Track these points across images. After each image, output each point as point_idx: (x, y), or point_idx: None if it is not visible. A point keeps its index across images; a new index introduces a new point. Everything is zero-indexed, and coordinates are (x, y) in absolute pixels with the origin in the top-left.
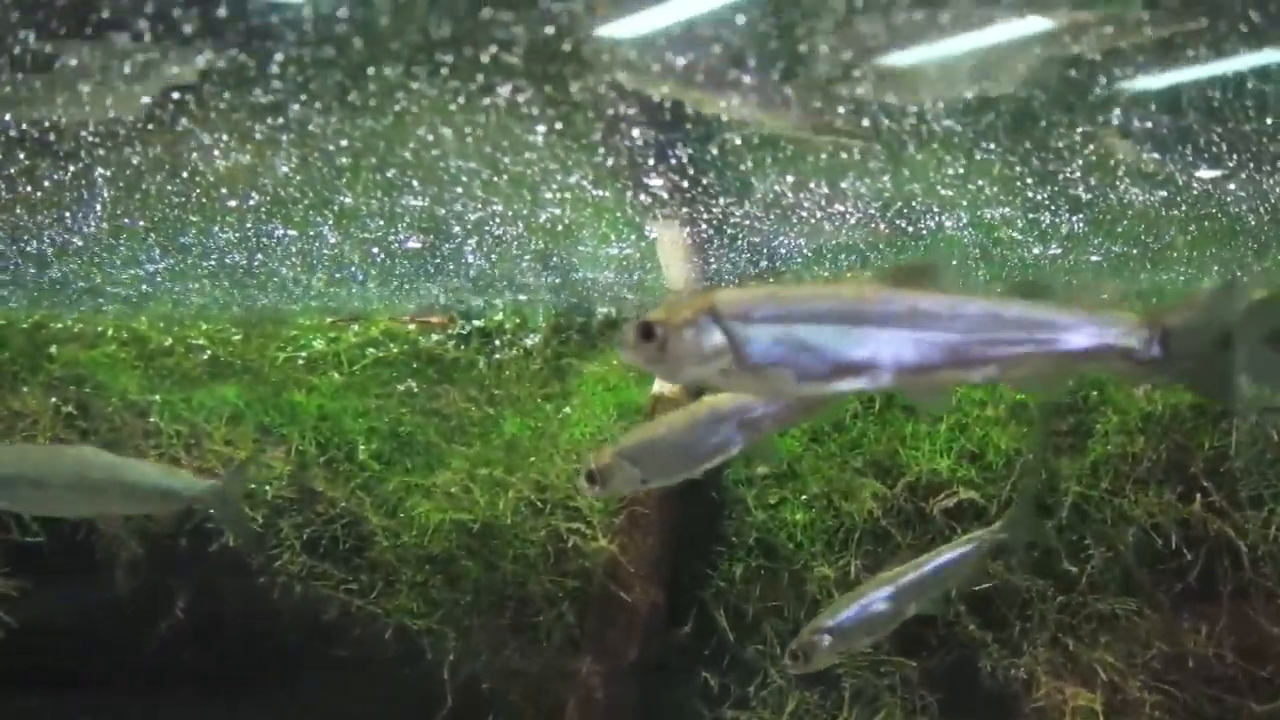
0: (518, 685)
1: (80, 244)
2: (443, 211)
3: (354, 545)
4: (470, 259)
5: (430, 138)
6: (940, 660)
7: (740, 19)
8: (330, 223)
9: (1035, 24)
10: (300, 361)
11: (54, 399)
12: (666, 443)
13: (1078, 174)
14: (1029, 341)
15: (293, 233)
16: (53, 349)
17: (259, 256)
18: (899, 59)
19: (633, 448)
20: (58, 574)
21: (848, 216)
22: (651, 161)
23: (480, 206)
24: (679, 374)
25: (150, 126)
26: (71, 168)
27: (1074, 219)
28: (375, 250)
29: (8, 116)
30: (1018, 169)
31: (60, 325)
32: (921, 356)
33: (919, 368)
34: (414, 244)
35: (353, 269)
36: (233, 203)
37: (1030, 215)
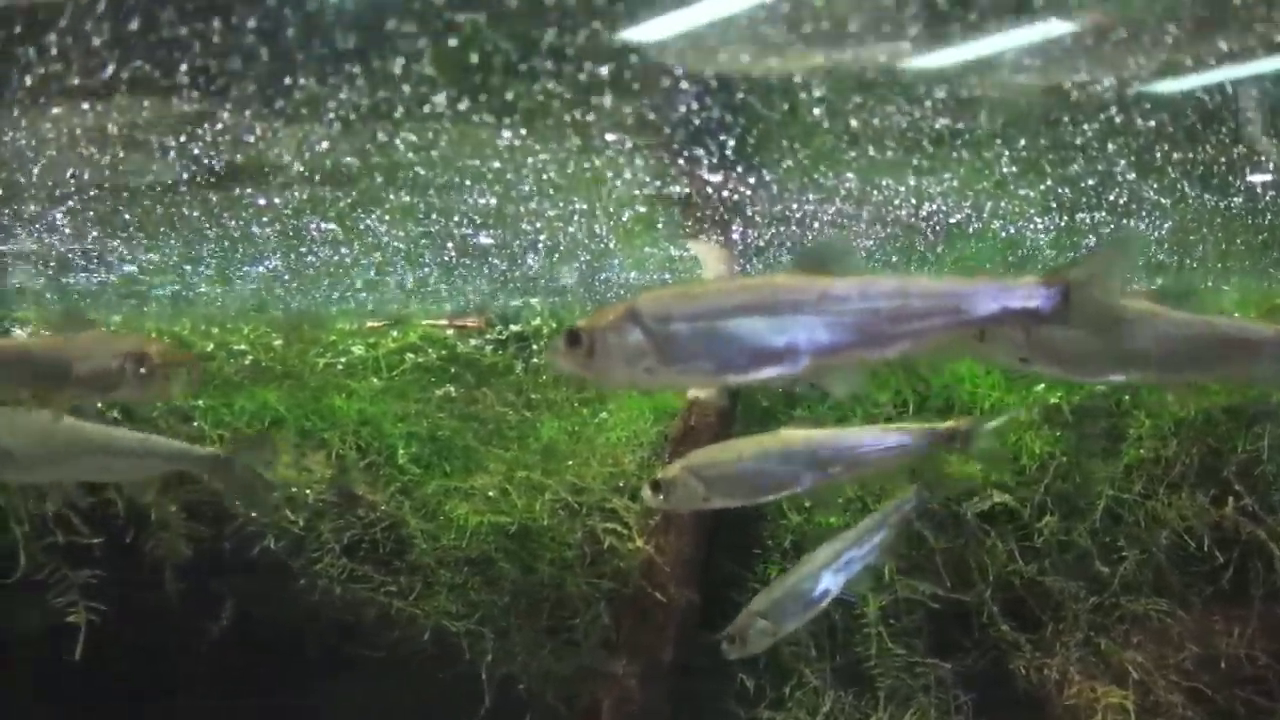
0: (554, 686)
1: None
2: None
3: (393, 548)
4: (528, 261)
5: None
6: (974, 661)
7: None
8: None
9: None
10: (340, 366)
11: (99, 403)
12: (738, 465)
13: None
14: (938, 314)
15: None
16: None
17: (325, 250)
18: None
19: (704, 465)
20: (106, 575)
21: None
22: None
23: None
24: (608, 376)
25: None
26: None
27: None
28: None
29: None
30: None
31: (105, 330)
32: (836, 338)
33: (835, 349)
34: (486, 239)
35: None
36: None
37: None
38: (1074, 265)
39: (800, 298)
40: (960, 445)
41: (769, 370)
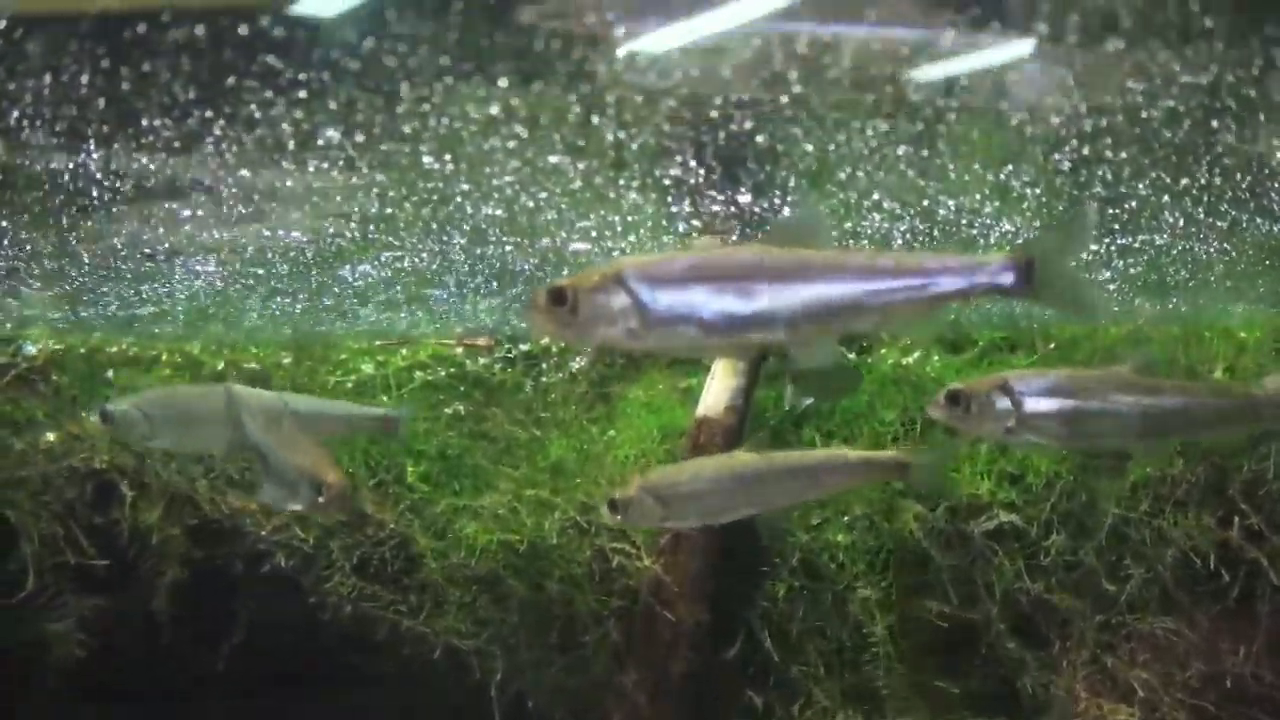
0: (563, 703)
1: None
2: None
3: (403, 566)
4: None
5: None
6: (981, 680)
7: None
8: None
9: None
10: (349, 385)
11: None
12: (694, 486)
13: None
14: (910, 288)
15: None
16: (110, 373)
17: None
18: None
19: (660, 485)
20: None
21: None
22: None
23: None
24: (589, 335)
25: None
26: None
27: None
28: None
29: None
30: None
31: (116, 349)
32: (812, 308)
33: (810, 318)
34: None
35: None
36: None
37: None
38: (1036, 240)
39: (779, 267)
40: (898, 476)
41: (747, 336)
